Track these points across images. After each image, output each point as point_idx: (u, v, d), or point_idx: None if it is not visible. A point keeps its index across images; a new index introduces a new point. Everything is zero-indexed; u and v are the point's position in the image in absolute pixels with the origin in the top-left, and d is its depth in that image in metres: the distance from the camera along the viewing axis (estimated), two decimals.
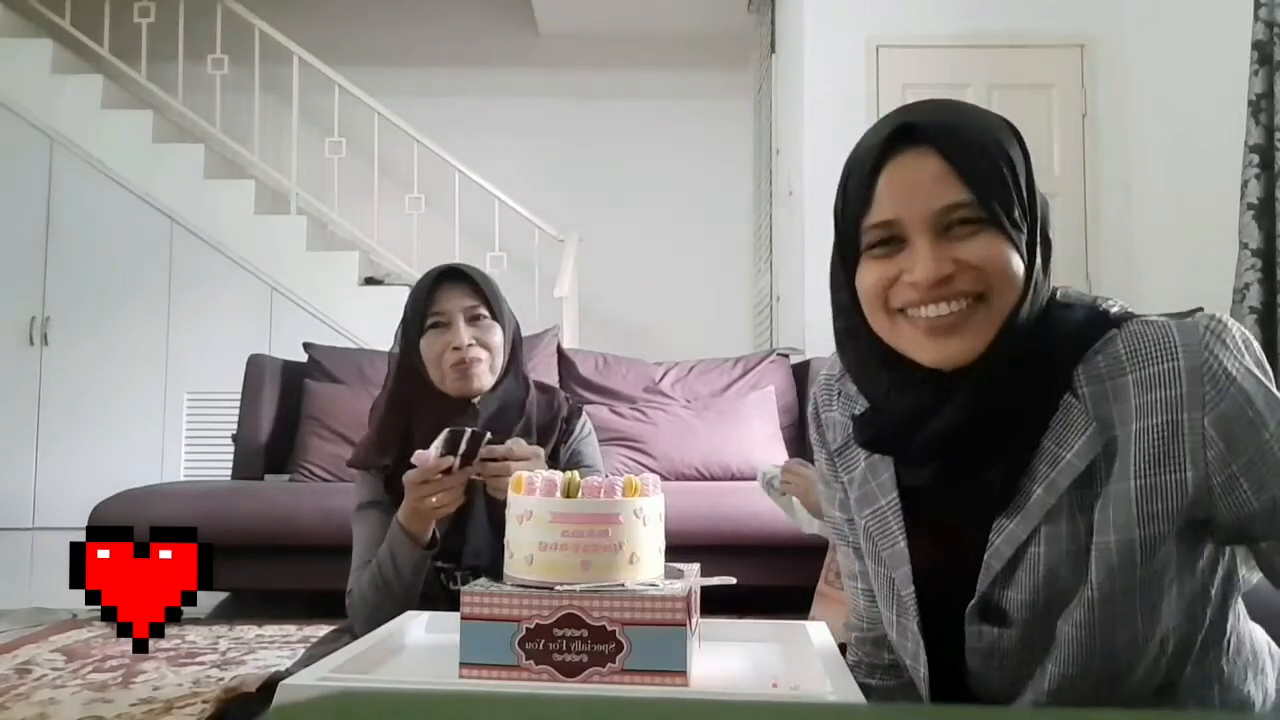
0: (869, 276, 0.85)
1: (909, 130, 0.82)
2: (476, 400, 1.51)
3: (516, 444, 1.37)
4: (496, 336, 1.51)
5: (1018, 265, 0.81)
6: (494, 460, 1.33)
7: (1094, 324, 0.83)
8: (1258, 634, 0.94)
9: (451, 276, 1.52)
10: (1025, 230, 0.82)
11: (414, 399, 1.51)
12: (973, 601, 0.86)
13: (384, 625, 1.16)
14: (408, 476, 1.33)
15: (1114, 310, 0.85)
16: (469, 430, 1.32)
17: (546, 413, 1.58)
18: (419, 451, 1.31)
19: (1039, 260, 0.83)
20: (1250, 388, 0.78)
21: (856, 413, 0.94)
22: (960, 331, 0.81)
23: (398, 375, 1.54)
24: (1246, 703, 0.88)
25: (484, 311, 1.51)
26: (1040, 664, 0.85)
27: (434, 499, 1.32)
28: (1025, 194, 0.82)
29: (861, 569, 1.01)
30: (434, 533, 1.40)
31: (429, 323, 1.49)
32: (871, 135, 0.85)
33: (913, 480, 0.89)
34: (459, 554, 1.47)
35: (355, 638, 1.22)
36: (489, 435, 1.33)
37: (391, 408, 1.54)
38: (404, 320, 1.53)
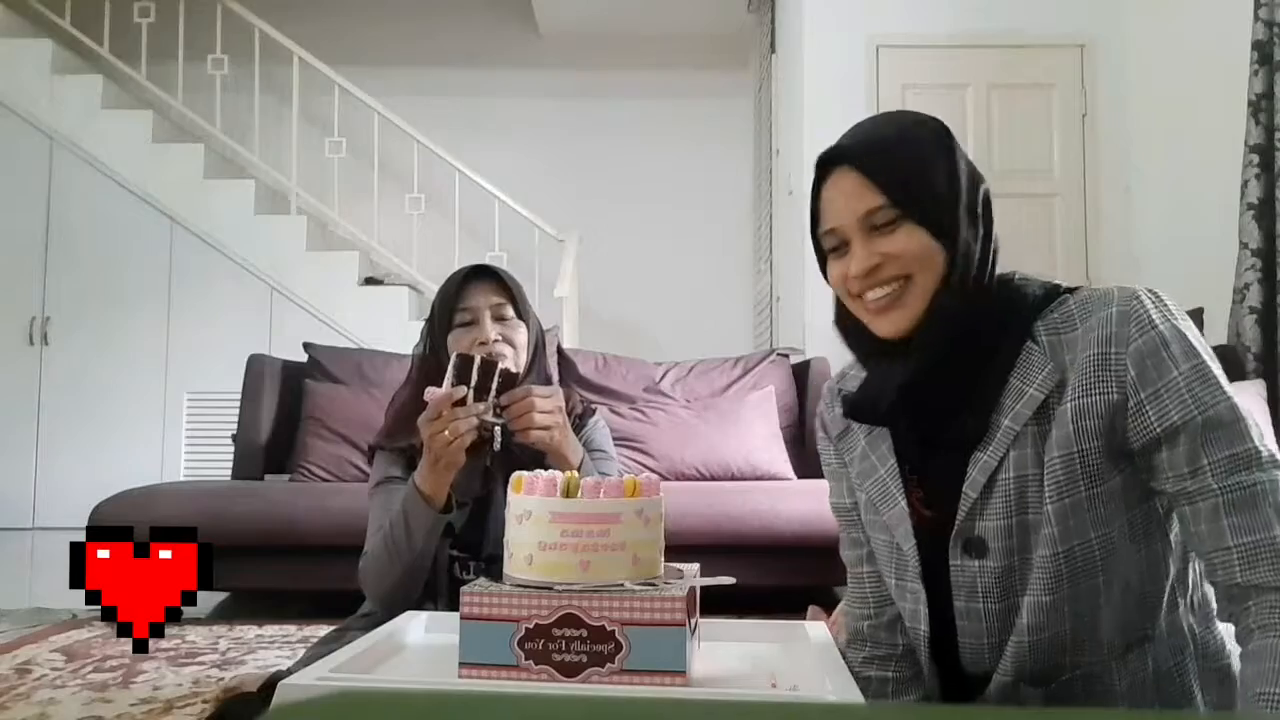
0: (832, 273, 1.03)
1: (832, 154, 1.01)
2: None
3: (534, 391, 1.37)
4: (521, 334, 1.53)
5: (935, 247, 0.96)
6: (516, 402, 1.33)
7: (1051, 292, 0.99)
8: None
9: (479, 274, 1.54)
10: (946, 215, 0.97)
11: None
12: (954, 531, 0.97)
13: (383, 625, 1.16)
14: (421, 418, 1.31)
15: (1066, 284, 1.01)
16: (478, 357, 1.31)
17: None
18: (429, 389, 1.30)
19: (966, 236, 0.97)
20: (1169, 335, 0.91)
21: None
22: (897, 307, 0.98)
23: (421, 369, 1.55)
24: (1221, 663, 0.98)
25: (510, 310, 1.52)
26: (1019, 601, 0.95)
27: (447, 432, 1.29)
28: (945, 186, 0.97)
29: (867, 551, 1.11)
30: (450, 497, 1.38)
31: (457, 319, 1.51)
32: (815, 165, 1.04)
33: (905, 447, 1.04)
34: (479, 545, 1.47)
35: (363, 632, 1.22)
36: (501, 365, 1.33)
37: (415, 397, 1.55)
38: (430, 317, 1.55)
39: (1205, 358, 0.91)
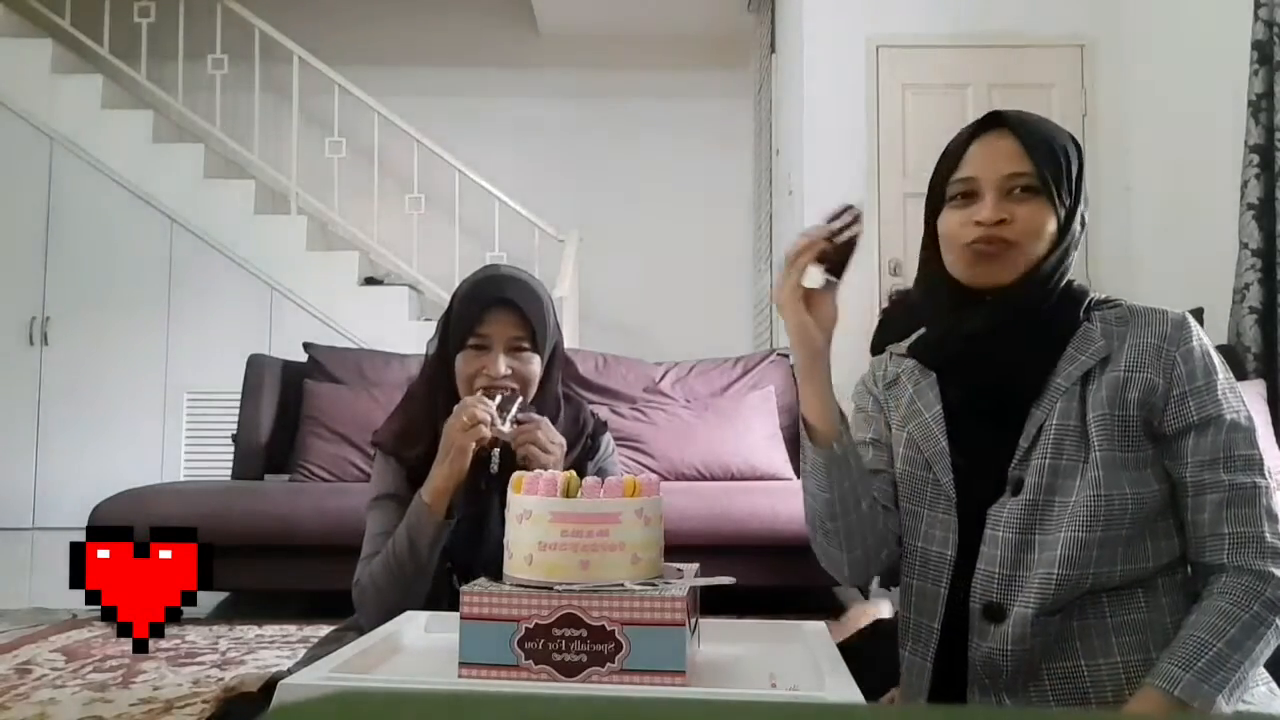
0: (950, 220, 1.15)
1: (996, 117, 1.14)
2: None
3: (546, 425, 1.45)
4: (534, 366, 1.51)
5: (1051, 230, 1.11)
6: (528, 423, 1.42)
7: (1108, 299, 1.16)
8: None
9: (503, 305, 1.50)
10: (1066, 209, 1.11)
11: (446, 400, 1.51)
12: (1010, 468, 1.11)
13: (384, 625, 1.16)
14: (456, 405, 1.42)
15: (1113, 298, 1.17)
16: (520, 398, 1.46)
17: (572, 426, 1.59)
18: (469, 398, 1.43)
19: (1071, 235, 1.12)
20: (1211, 351, 1.10)
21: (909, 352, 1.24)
22: (998, 261, 1.11)
23: (434, 371, 1.55)
24: None
25: (526, 344, 1.50)
26: (1033, 538, 1.08)
27: (465, 417, 1.38)
28: (1073, 184, 1.12)
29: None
30: (451, 506, 1.41)
31: (471, 341, 1.49)
32: (970, 123, 1.17)
33: (953, 398, 1.17)
34: (470, 563, 1.46)
35: (362, 632, 1.22)
36: (533, 412, 1.46)
37: (426, 400, 1.55)
38: (447, 324, 1.53)
39: (1231, 375, 1.10)
